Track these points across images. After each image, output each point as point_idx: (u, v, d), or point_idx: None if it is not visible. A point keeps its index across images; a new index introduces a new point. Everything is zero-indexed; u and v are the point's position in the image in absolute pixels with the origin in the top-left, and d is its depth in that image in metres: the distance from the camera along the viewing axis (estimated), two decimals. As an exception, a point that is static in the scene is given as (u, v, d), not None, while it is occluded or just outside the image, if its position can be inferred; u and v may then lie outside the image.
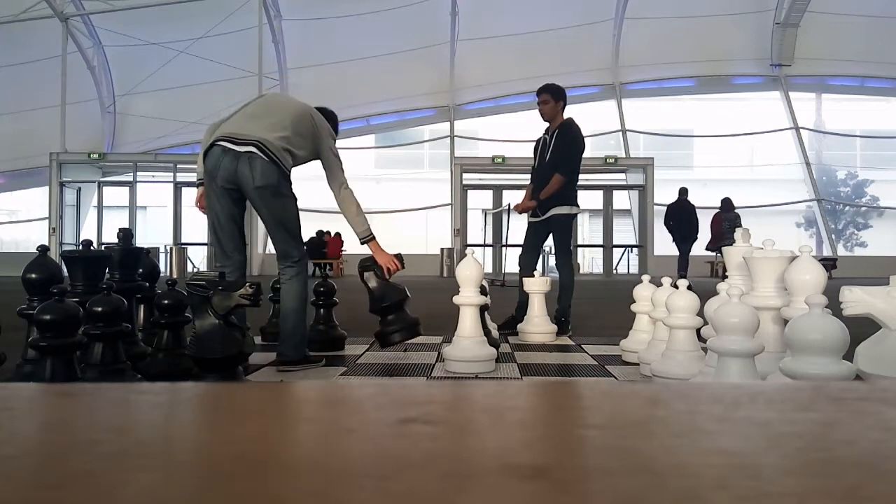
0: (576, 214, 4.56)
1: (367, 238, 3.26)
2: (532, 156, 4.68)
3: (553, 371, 3.15)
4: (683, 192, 11.38)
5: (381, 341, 3.30)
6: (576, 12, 19.20)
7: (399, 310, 3.31)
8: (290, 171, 3.05)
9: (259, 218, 3.11)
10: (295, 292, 3.09)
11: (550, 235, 4.50)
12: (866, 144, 24.86)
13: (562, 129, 4.48)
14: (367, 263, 3.33)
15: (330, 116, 3.38)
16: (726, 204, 11.66)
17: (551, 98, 4.48)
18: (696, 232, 11.31)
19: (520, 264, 4.56)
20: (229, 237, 3.08)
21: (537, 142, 4.64)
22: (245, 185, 2.93)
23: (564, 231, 4.50)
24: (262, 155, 2.90)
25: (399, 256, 3.35)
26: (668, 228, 11.44)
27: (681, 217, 11.15)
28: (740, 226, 11.47)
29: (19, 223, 23.06)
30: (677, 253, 11.48)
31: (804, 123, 20.59)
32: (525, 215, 4.63)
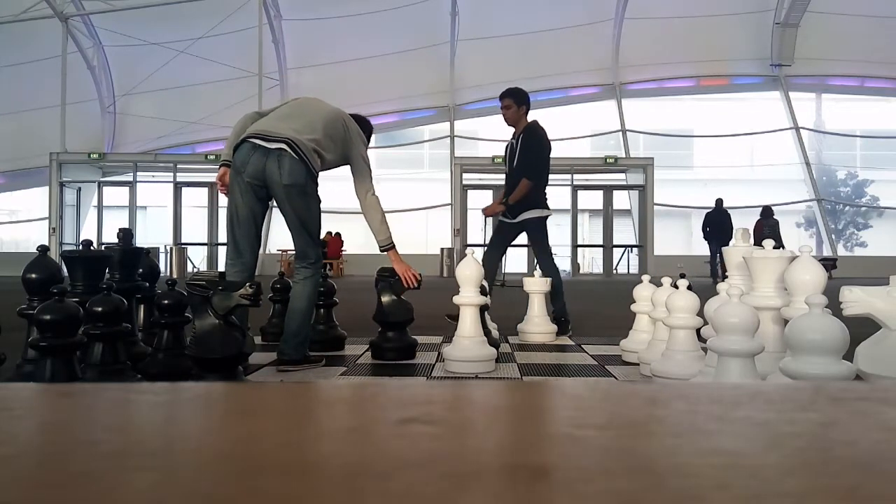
0: (547, 217, 4.54)
1: (388, 247, 3.29)
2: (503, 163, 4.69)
3: (553, 371, 3.15)
4: (720, 202, 12.78)
5: (375, 353, 3.35)
6: (576, 12, 19.21)
7: (402, 329, 3.35)
8: (317, 173, 3.07)
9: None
10: (305, 294, 3.10)
11: (522, 236, 4.53)
12: (866, 144, 24.85)
13: (526, 134, 4.46)
14: (386, 275, 3.37)
15: (363, 124, 3.41)
16: (766, 211, 13.18)
17: (514, 103, 4.45)
18: (731, 237, 12.20)
19: (484, 264, 4.50)
20: (245, 234, 3.08)
21: (506, 147, 4.65)
22: (272, 182, 2.95)
23: (539, 233, 4.49)
24: (291, 153, 2.92)
25: (418, 276, 3.38)
26: (705, 234, 12.64)
27: (718, 223, 12.42)
28: (778, 231, 12.65)
29: (19, 223, 23.05)
30: (708, 254, 12.96)
31: (804, 123, 20.61)
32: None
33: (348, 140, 3.21)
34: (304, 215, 3.05)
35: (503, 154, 4.68)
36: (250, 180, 2.97)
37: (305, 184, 2.98)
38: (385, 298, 3.34)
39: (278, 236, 15.99)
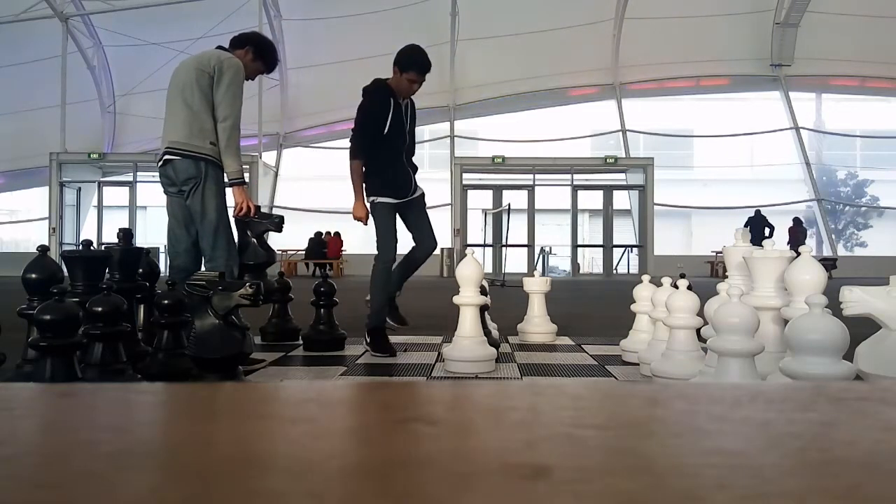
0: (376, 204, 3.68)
1: (236, 181, 3.30)
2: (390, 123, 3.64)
3: (553, 371, 3.15)
4: (758, 211, 15.11)
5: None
6: (576, 12, 19.20)
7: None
8: (211, 150, 3.21)
9: None
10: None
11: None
12: (866, 144, 24.85)
13: (413, 106, 3.87)
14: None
15: (241, 40, 3.47)
16: (797, 220, 15.68)
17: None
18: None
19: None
20: (175, 239, 3.35)
21: (393, 108, 3.66)
22: (177, 183, 3.26)
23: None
24: (174, 157, 3.23)
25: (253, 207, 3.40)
26: None
27: (758, 228, 14.01)
28: (805, 237, 14.93)
29: (19, 223, 23.05)
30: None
31: (804, 123, 20.61)
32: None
33: (209, 88, 3.23)
34: (200, 208, 3.21)
35: (395, 117, 3.67)
36: (167, 189, 3.33)
37: (198, 175, 3.20)
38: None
39: (278, 236, 15.98)
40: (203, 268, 3.22)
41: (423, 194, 3.85)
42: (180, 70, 3.33)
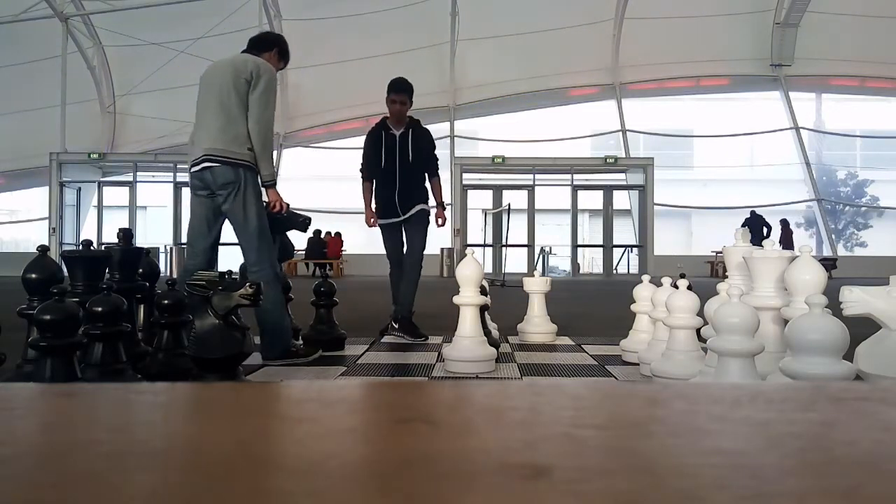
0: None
1: (269, 183, 3.33)
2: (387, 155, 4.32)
3: (553, 371, 3.15)
4: (754, 212, 15.36)
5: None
6: (576, 12, 19.20)
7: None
8: (248, 156, 3.20)
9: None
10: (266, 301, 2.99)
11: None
12: (866, 144, 24.86)
13: (418, 128, 4.39)
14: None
15: (268, 42, 3.52)
16: (784, 222, 16.11)
17: (409, 98, 4.31)
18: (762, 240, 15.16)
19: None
20: (195, 239, 3.34)
21: (384, 138, 4.33)
22: (212, 188, 3.24)
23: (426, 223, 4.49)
24: (213, 164, 3.19)
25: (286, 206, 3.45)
26: None
27: (756, 229, 14.31)
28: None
29: (19, 223, 23.05)
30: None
31: (804, 123, 20.62)
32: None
33: (246, 93, 3.24)
34: (241, 215, 3.21)
35: (384, 146, 4.32)
36: (198, 192, 3.31)
37: (237, 181, 3.18)
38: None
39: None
40: (248, 275, 3.20)
41: (421, 211, 4.38)
42: (214, 72, 3.30)
